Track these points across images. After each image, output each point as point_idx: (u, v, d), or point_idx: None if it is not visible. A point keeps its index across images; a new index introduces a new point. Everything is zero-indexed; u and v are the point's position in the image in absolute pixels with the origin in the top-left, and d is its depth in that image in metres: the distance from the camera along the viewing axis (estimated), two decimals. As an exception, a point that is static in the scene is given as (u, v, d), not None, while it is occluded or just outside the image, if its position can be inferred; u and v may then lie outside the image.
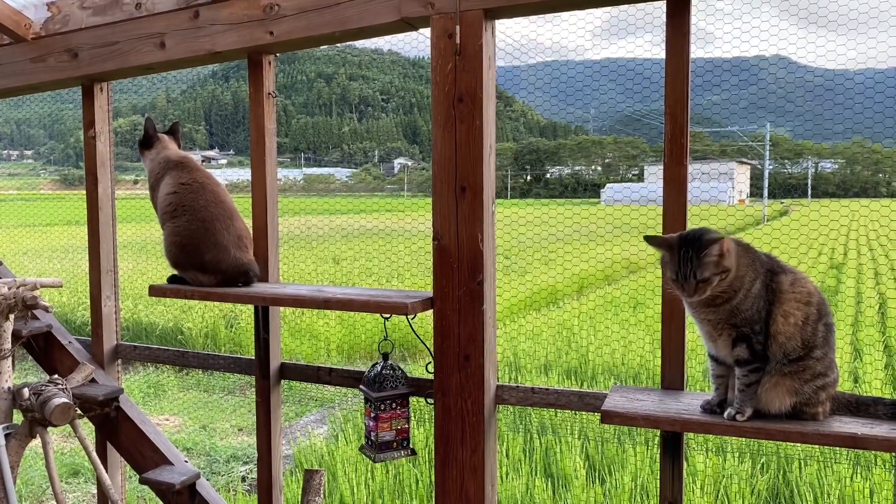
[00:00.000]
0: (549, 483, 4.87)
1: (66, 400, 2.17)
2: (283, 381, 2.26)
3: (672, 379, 1.75)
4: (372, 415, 1.95)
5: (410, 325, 1.98)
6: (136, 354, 2.51)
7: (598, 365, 8.14)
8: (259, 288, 2.02)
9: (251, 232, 2.15)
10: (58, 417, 2.16)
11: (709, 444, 5.14)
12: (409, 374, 2.01)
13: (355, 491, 5.19)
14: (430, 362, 1.95)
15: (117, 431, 2.38)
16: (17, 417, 2.31)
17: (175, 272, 2.10)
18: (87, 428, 2.77)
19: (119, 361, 2.55)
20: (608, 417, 1.59)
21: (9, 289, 2.30)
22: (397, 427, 1.96)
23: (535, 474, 5.00)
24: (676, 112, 1.71)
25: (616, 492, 4.91)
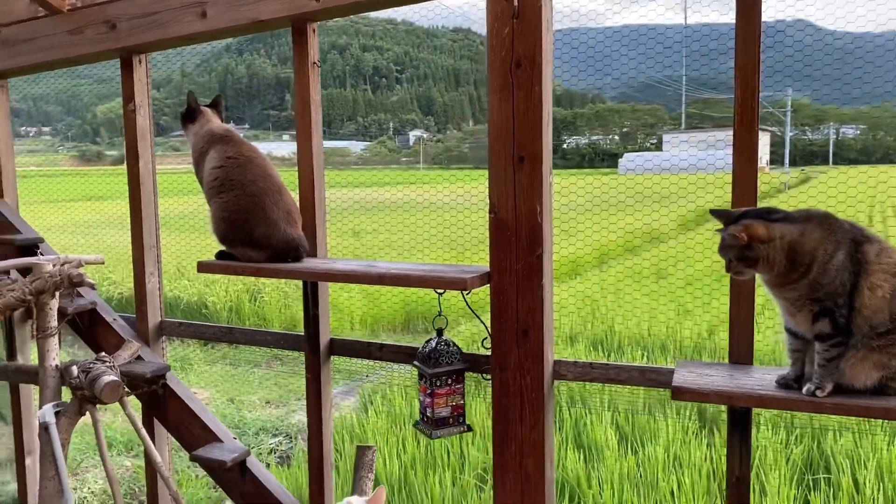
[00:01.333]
0: (581, 454, 4.85)
1: (115, 378, 2.15)
2: (332, 357, 2.23)
3: (740, 353, 1.70)
4: (427, 391, 1.91)
5: (465, 301, 1.94)
6: (180, 331, 2.49)
7: (624, 336, 8.08)
8: (310, 263, 1.98)
9: (298, 206, 2.10)
10: (107, 395, 2.14)
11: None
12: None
13: (387, 462, 5.21)
14: (485, 338, 1.91)
15: (165, 408, 2.37)
16: (66, 395, 2.30)
17: (223, 248, 2.06)
18: (133, 405, 2.76)
19: (164, 338, 2.53)
20: (679, 393, 1.54)
21: (53, 266, 2.28)
22: (453, 403, 1.92)
23: (567, 445, 4.98)
24: (748, 75, 1.63)
25: (649, 462, 4.88)
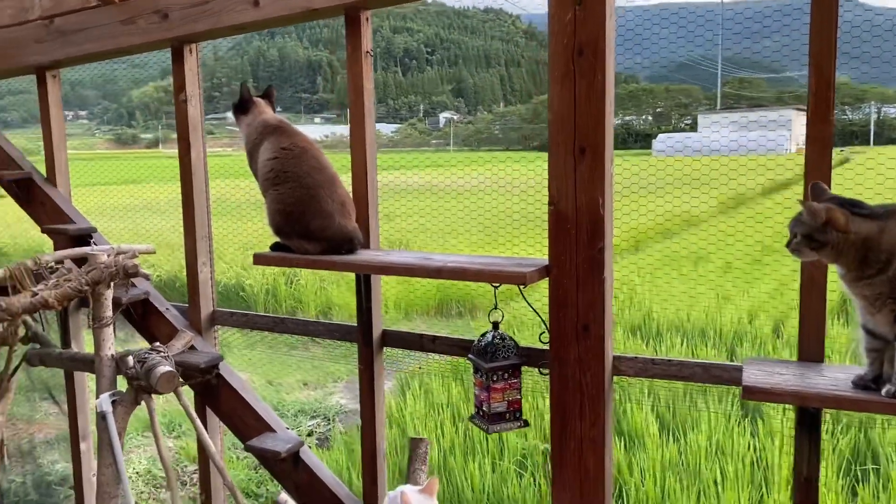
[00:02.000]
0: (622, 441, 4.81)
1: (170, 368, 2.16)
2: (384, 348, 2.22)
3: (811, 351, 1.65)
4: (483, 385, 1.89)
5: (523, 295, 1.91)
6: (232, 321, 2.50)
7: (663, 322, 7.98)
8: (365, 256, 1.96)
9: (352, 200, 2.08)
10: (163, 385, 2.16)
11: (785, 404, 5.00)
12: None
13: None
14: (543, 332, 1.88)
15: (218, 398, 2.39)
16: (121, 383, 2.33)
17: (278, 240, 2.06)
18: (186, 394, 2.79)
19: (216, 328, 2.54)
20: (750, 393, 1.50)
21: (108, 256, 2.29)
22: (509, 398, 1.90)
23: (608, 433, 4.92)
24: (822, 64, 1.56)
25: (691, 451, 4.82)
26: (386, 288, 9.39)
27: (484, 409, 1.90)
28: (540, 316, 1.90)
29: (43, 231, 2.60)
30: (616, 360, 1.85)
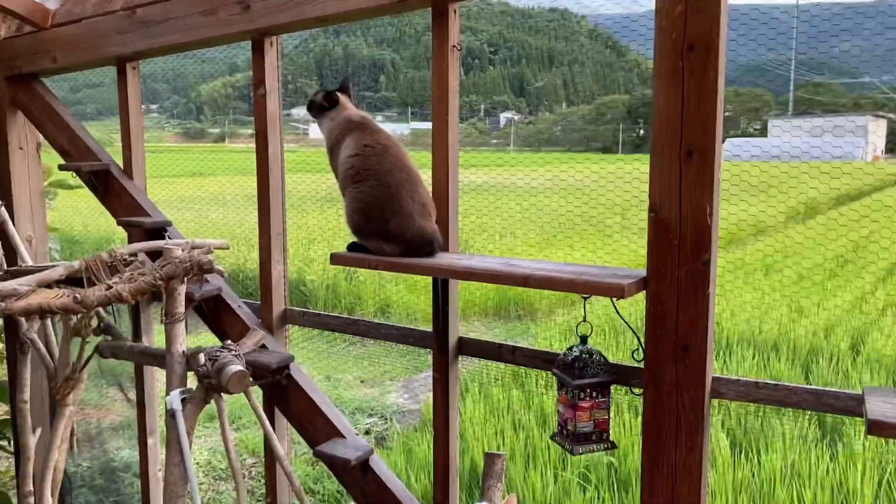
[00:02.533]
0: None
1: (241, 368, 2.11)
2: (459, 357, 2.13)
3: (943, 383, 1.48)
4: (569, 403, 1.77)
5: (616, 309, 1.78)
6: (304, 320, 2.44)
7: (733, 333, 7.69)
8: (446, 259, 1.86)
9: (432, 197, 1.99)
10: (234, 385, 2.10)
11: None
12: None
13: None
14: (636, 349, 1.75)
15: (288, 400, 2.33)
16: (191, 380, 2.30)
17: (355, 239, 1.98)
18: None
19: (287, 327, 2.49)
20: (878, 428, 1.34)
21: (182, 251, 2.26)
22: (597, 418, 1.78)
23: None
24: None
25: (765, 472, 4.59)
26: (398, 293, 9.33)
27: (568, 428, 1.78)
28: (635, 333, 1.78)
29: (118, 223, 2.59)
30: (715, 382, 1.71)
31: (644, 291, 1.67)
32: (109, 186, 2.66)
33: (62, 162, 2.75)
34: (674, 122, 1.61)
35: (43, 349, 2.72)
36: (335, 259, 1.95)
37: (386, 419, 6.44)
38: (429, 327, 2.13)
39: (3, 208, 2.79)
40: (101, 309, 2.90)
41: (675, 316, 1.64)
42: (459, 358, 2.12)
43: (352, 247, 1.99)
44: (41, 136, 2.94)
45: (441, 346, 2.07)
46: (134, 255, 2.60)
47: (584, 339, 1.81)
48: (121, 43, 2.49)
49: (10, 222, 2.79)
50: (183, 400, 2.23)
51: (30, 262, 2.78)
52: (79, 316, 2.59)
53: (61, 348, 2.66)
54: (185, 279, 2.23)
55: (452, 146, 1.99)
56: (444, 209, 2.02)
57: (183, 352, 2.28)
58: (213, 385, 2.16)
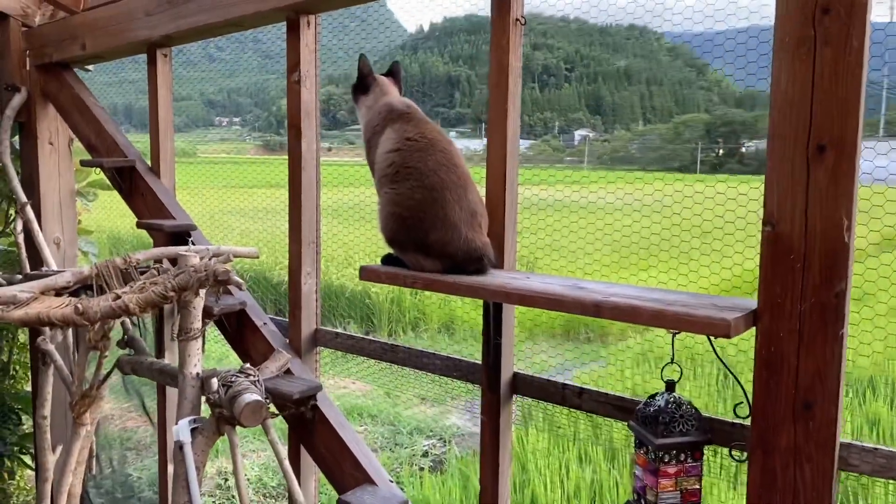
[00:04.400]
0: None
1: (257, 397, 1.80)
2: (514, 396, 1.76)
3: None
4: (650, 466, 1.38)
5: (713, 349, 1.38)
6: (336, 343, 2.12)
7: (822, 367, 7.00)
8: (498, 279, 1.50)
9: (485, 206, 1.64)
10: (248, 417, 1.80)
11: None
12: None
13: (548, 488, 4.71)
14: (740, 403, 1.35)
15: (313, 435, 2.00)
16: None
17: (391, 251, 1.64)
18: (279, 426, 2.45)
19: (318, 349, 2.17)
20: None
21: (201, 259, 1.98)
22: (685, 487, 1.38)
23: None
24: None
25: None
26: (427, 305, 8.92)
27: (648, 498, 1.39)
28: (738, 381, 1.38)
29: (137, 225, 2.34)
30: (844, 451, 1.30)
31: (754, 328, 1.28)
32: (134, 185, 2.42)
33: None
34: (800, 109, 1.21)
35: (60, 362, 2.49)
36: (364, 273, 1.62)
37: (445, 441, 6.12)
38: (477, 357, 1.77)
39: (28, 207, 2.60)
40: (127, 320, 2.68)
41: (794, 362, 1.24)
42: (514, 398, 1.76)
43: (386, 259, 1.66)
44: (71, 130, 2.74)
45: (491, 382, 1.70)
46: (158, 261, 2.35)
47: (670, 386, 1.42)
48: (149, 25, 2.25)
49: (35, 222, 2.59)
50: (193, 430, 1.94)
51: (54, 267, 2.57)
52: (95, 327, 2.35)
53: (78, 362, 2.42)
54: (200, 290, 1.94)
55: (512, 142, 1.64)
56: (500, 218, 1.67)
57: (197, 374, 1.99)
58: (224, 416, 1.86)
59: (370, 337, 2.07)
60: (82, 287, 2.12)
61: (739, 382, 1.36)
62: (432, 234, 1.54)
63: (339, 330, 2.13)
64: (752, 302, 1.29)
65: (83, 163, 2.55)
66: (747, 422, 1.33)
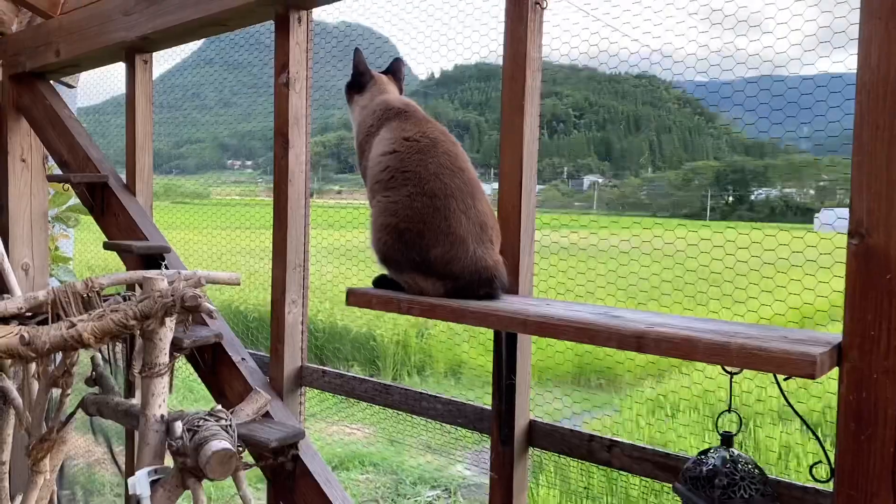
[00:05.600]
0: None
1: (227, 445, 1.53)
2: (530, 449, 1.47)
3: None
4: (703, 540, 1.10)
5: (782, 391, 1.11)
6: (324, 382, 1.85)
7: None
8: (514, 304, 1.24)
9: (497, 218, 1.38)
10: (214, 469, 1.52)
11: None
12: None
13: (561, 553, 4.34)
14: (817, 463, 1.07)
15: (293, 491, 1.72)
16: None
17: (385, 272, 1.39)
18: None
19: (303, 390, 1.90)
20: None
21: (170, 283, 1.72)
22: (747, 567, 1.09)
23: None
24: None
25: None
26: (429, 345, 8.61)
27: (701, 581, 1.10)
28: (815, 434, 1.10)
29: (105, 246, 2.09)
30: (955, 527, 1.01)
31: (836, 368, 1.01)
32: (106, 203, 2.17)
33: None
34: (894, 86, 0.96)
35: (19, 401, 2.23)
36: (352, 297, 1.36)
37: (450, 493, 5.78)
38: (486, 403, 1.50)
39: (-6, 229, 2.36)
40: (98, 354, 2.42)
41: (893, 412, 0.96)
42: (530, 450, 1.47)
43: (379, 282, 1.40)
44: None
45: (503, 432, 1.42)
46: (131, 288, 2.10)
47: (727, 440, 1.14)
48: (126, 26, 2.04)
49: (0, 245, 2.34)
50: (153, 482, 1.66)
51: (18, 295, 2.32)
52: (59, 361, 2.08)
53: (36, 401, 2.15)
54: (167, 319, 1.68)
55: (529, 142, 1.39)
56: (514, 234, 1.41)
57: (161, 416, 1.72)
58: (188, 467, 1.58)
59: (361, 376, 1.79)
60: (36, 315, 1.87)
61: (818, 437, 1.08)
62: (434, 250, 1.28)
63: (327, 367, 1.85)
64: (835, 335, 1.02)
65: (50, 178, 2.32)
66: (829, 486, 1.04)
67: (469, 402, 1.56)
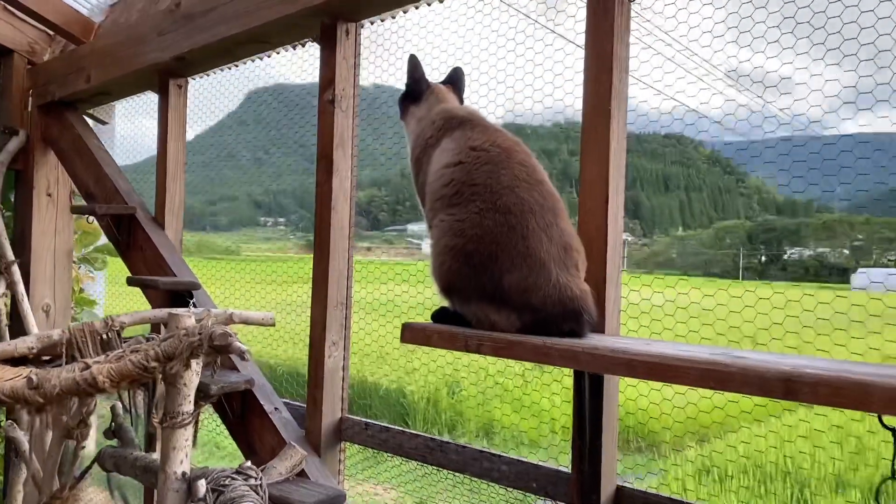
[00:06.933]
0: None
1: (256, 509, 1.31)
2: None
3: None
4: None
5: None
6: (366, 437, 1.61)
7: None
8: (609, 342, 1.02)
9: (580, 240, 1.17)
10: (242, 537, 1.30)
11: None
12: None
13: None
14: None
15: (331, 565, 1.47)
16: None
17: (446, 304, 1.17)
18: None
19: (342, 445, 1.67)
20: None
21: (197, 321, 1.53)
22: None
23: None
24: None
25: None
26: (538, 395, 8.25)
27: None
28: None
29: (128, 282, 1.91)
30: None
31: None
32: (133, 237, 2.01)
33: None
34: None
35: (28, 455, 2.03)
36: (408, 333, 1.15)
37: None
38: (561, 462, 1.26)
39: (15, 267, 2.20)
40: (119, 403, 2.23)
41: None
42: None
43: (440, 315, 1.19)
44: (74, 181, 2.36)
45: (588, 498, 1.18)
46: (156, 329, 1.91)
47: (891, 515, 0.89)
48: (160, 46, 1.90)
49: (20, 284, 2.18)
50: (171, 551, 1.44)
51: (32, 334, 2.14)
52: (74, 409, 1.89)
53: (48, 454, 1.95)
54: (193, 362, 1.48)
55: (616, 156, 1.19)
56: (598, 257, 1.20)
57: (183, 473, 1.51)
58: (210, 534, 1.36)
59: (413, 432, 1.56)
60: (53, 357, 1.68)
61: None
62: (508, 276, 1.07)
63: (371, 420, 1.62)
64: None
65: (74, 209, 2.17)
66: None
67: (542, 464, 1.32)
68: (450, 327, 1.12)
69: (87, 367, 1.49)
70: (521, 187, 1.12)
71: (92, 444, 2.45)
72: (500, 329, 1.09)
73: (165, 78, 2.02)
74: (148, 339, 1.71)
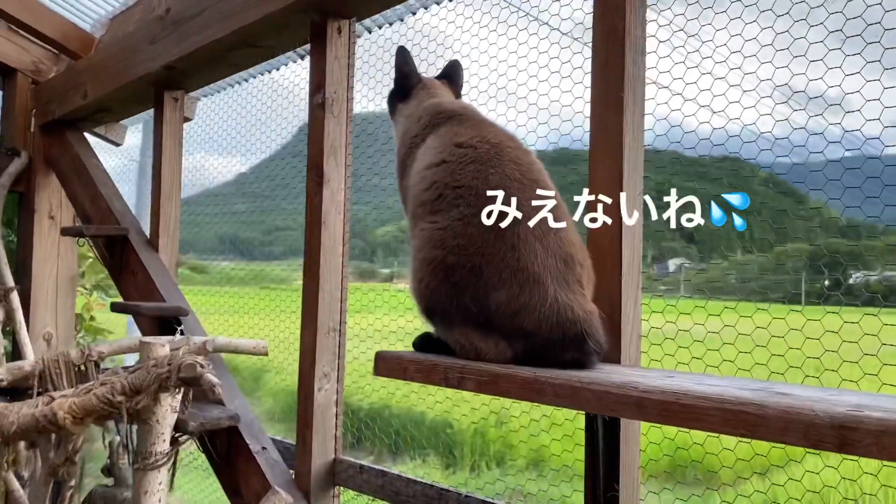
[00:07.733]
0: None
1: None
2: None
3: None
4: None
5: None
6: (361, 481, 1.43)
7: None
8: (618, 375, 0.82)
9: (587, 250, 0.98)
10: None
11: None
12: None
13: None
14: None
15: None
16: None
17: (429, 329, 0.99)
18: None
19: (336, 490, 1.49)
20: None
21: (173, 350, 1.38)
22: None
23: None
24: None
25: None
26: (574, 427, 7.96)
27: None
28: None
29: (111, 308, 1.78)
30: None
31: None
32: (125, 260, 1.88)
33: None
34: None
35: (20, 493, 1.90)
36: (381, 364, 0.97)
37: None
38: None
39: (14, 294, 2.10)
40: (118, 437, 2.10)
41: None
42: None
43: (422, 343, 1.01)
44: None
45: (601, 564, 0.97)
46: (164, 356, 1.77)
47: None
48: (151, 56, 1.78)
49: (19, 311, 2.08)
50: None
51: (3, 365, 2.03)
52: (60, 447, 1.76)
53: (34, 494, 1.82)
54: (162, 396, 1.33)
55: (631, 153, 1.00)
56: (611, 277, 1.00)
57: (155, 521, 1.35)
58: None
59: (408, 476, 1.36)
60: (22, 389, 1.55)
61: None
62: (495, 294, 0.88)
63: (365, 462, 1.44)
64: None
65: (63, 231, 2.06)
66: None
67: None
68: (429, 356, 0.94)
69: (51, 401, 1.36)
70: (513, 188, 0.93)
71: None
72: (487, 359, 0.90)
73: (160, 90, 1.90)
74: (127, 370, 1.57)
